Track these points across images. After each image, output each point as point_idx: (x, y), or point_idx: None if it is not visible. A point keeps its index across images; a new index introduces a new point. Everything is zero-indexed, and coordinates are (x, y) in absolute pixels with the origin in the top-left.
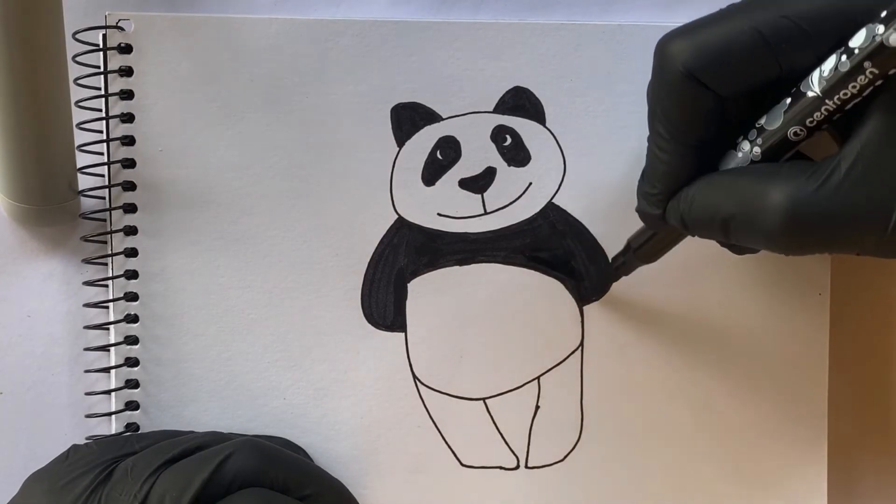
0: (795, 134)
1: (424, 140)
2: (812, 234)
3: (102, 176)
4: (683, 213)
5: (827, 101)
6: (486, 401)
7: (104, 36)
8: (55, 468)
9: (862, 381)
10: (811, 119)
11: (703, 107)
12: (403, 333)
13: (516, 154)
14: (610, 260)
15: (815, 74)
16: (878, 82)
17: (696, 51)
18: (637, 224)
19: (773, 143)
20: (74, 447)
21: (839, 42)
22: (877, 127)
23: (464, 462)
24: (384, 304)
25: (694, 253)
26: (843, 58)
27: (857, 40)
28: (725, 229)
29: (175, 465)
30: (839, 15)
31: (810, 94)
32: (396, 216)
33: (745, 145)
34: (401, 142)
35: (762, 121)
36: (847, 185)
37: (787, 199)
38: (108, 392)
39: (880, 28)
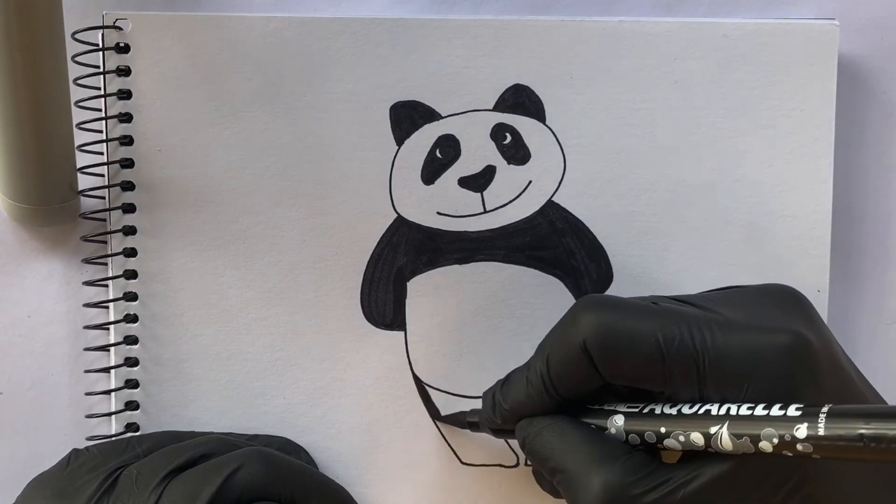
0: (659, 440)
1: (424, 138)
2: None
3: (102, 176)
4: (526, 440)
5: (709, 448)
6: None
7: (102, 36)
8: (57, 474)
9: None
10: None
11: (587, 379)
12: (403, 332)
13: (516, 152)
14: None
15: (724, 433)
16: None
17: (600, 336)
18: (637, 223)
19: (639, 431)
20: (75, 452)
21: (722, 397)
22: (720, 473)
23: (463, 460)
24: (384, 303)
25: (692, 250)
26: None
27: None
28: (553, 475)
29: (182, 476)
30: (742, 376)
31: (693, 436)
32: (396, 215)
33: (618, 419)
34: (400, 140)
35: (646, 408)
36: (666, 499)
37: (606, 492)
38: (108, 392)
39: (800, 428)
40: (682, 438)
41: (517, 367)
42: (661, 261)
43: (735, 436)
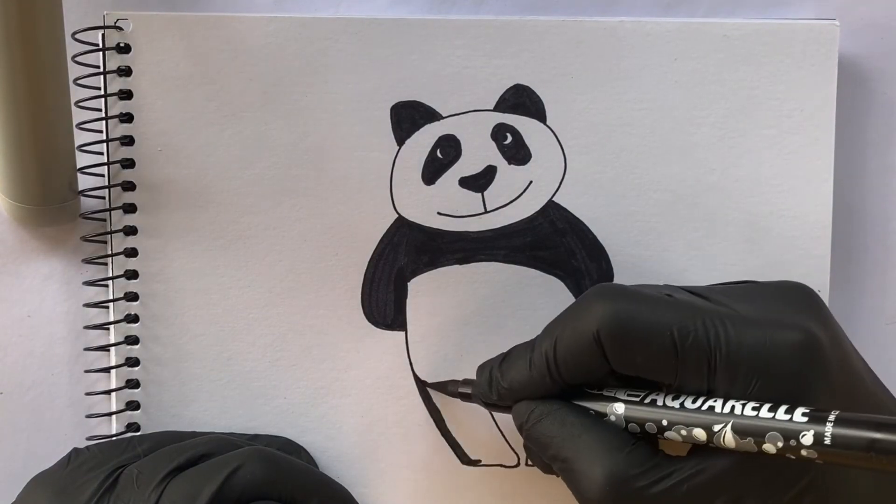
0: (660, 430)
1: (424, 139)
2: None
3: (102, 176)
4: (525, 426)
5: (710, 443)
6: None
7: (103, 36)
8: (58, 473)
9: None
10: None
11: (594, 367)
12: (404, 332)
13: (517, 152)
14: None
15: (728, 431)
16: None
17: (614, 327)
18: (638, 223)
19: (640, 421)
20: (76, 451)
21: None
22: (726, 468)
23: (464, 460)
24: (384, 303)
25: (692, 250)
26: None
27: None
28: (553, 461)
29: (182, 475)
30: (752, 371)
31: (693, 431)
32: (396, 215)
33: (619, 407)
34: (401, 140)
35: (648, 398)
36: (669, 492)
37: (610, 483)
38: (109, 392)
39: (807, 435)
40: (683, 432)
41: (519, 343)
42: (661, 261)
43: (739, 435)
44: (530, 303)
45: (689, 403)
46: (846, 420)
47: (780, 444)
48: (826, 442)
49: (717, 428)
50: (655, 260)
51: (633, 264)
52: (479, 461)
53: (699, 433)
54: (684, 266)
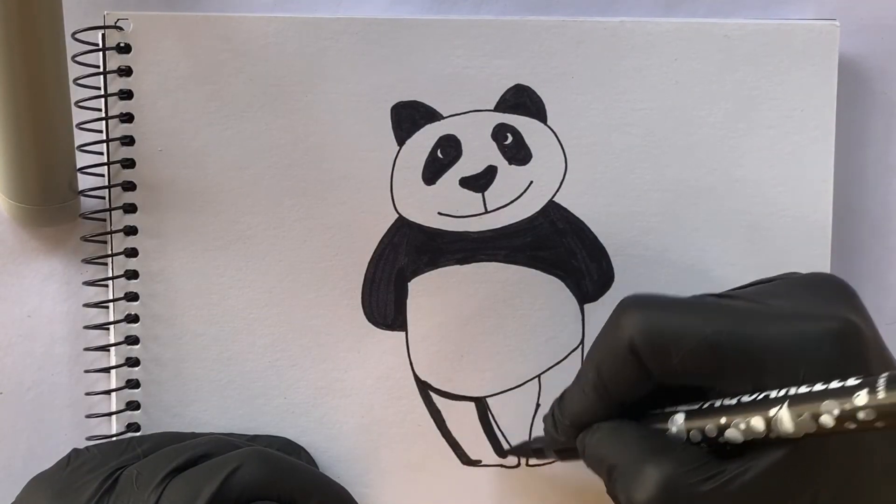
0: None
1: (425, 139)
2: None
3: (102, 176)
4: (586, 445)
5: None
6: (487, 399)
7: (103, 36)
8: (58, 474)
9: None
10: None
11: (637, 380)
12: (404, 332)
13: (517, 152)
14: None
15: (784, 411)
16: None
17: (646, 333)
18: (638, 223)
19: (700, 426)
20: (76, 451)
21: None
22: (774, 462)
23: (464, 461)
24: (385, 304)
25: (692, 250)
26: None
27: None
28: (609, 477)
29: (182, 476)
30: (797, 362)
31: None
32: (397, 215)
33: (679, 417)
34: (401, 141)
35: (707, 405)
36: (721, 489)
37: (662, 482)
38: (109, 392)
39: (860, 395)
40: (742, 426)
41: (570, 384)
42: (662, 261)
43: (796, 414)
44: (530, 303)
45: (745, 399)
46: None
47: (836, 412)
48: (880, 397)
49: (772, 412)
50: (655, 260)
51: (633, 264)
52: (480, 461)
53: (757, 422)
54: (684, 266)
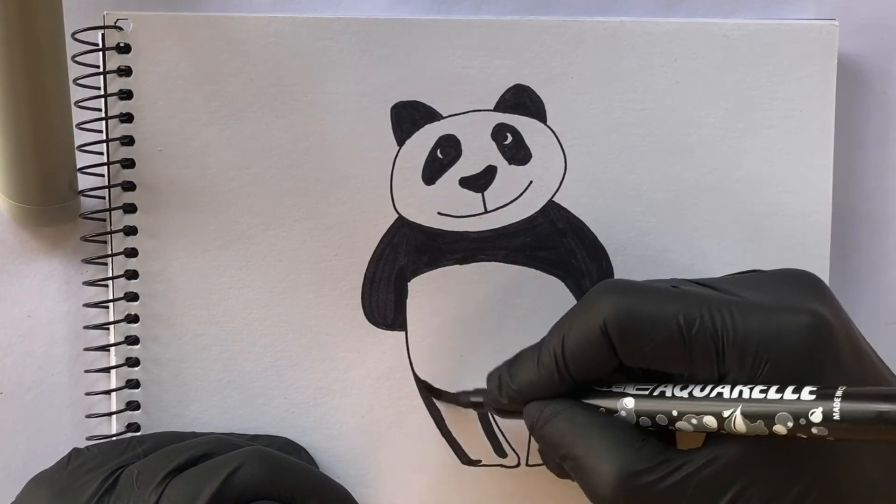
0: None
1: (425, 139)
2: None
3: (102, 176)
4: (535, 426)
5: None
6: None
7: (103, 36)
8: (58, 473)
9: None
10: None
11: (603, 362)
12: (404, 332)
13: (517, 152)
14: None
15: (738, 416)
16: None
17: (620, 318)
18: (638, 224)
19: (650, 414)
20: (76, 451)
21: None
22: (735, 458)
23: (464, 460)
24: (385, 303)
25: (692, 250)
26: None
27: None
28: (564, 461)
29: (182, 475)
30: (767, 353)
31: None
32: (397, 215)
33: (628, 402)
34: (401, 141)
35: (657, 390)
36: (680, 485)
37: (619, 479)
38: (109, 392)
39: (815, 412)
40: (694, 421)
41: (525, 347)
42: (661, 261)
43: (749, 418)
44: (530, 303)
45: (697, 392)
46: (853, 395)
47: (790, 424)
48: (835, 417)
49: (726, 413)
50: (655, 260)
51: (633, 264)
52: (480, 461)
53: (709, 420)
54: (684, 266)
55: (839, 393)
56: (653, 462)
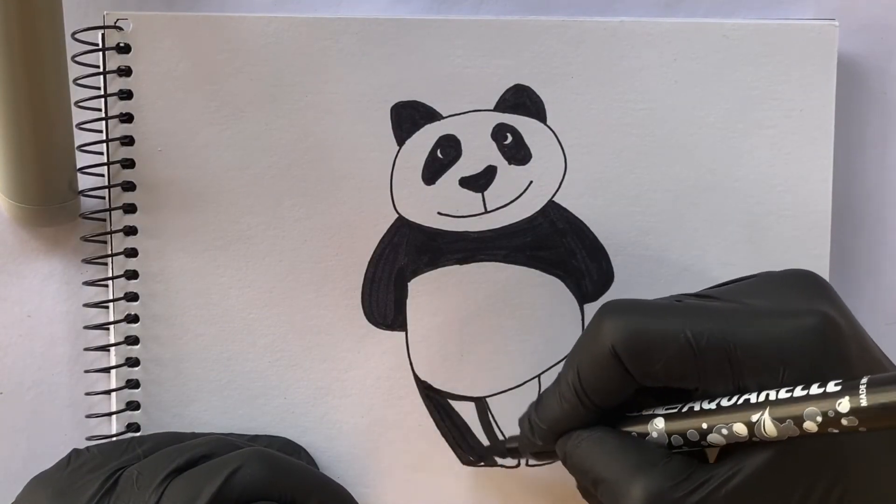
0: (702, 437)
1: (425, 139)
2: None
3: (102, 176)
4: (566, 455)
5: (754, 437)
6: (487, 399)
7: (103, 36)
8: (58, 474)
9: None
10: (728, 438)
11: (619, 384)
12: (404, 332)
13: (517, 152)
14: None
15: (766, 418)
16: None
17: (627, 337)
18: (638, 223)
19: (681, 431)
20: (76, 452)
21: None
22: (760, 466)
23: (464, 461)
24: (385, 303)
25: (692, 250)
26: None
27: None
28: (595, 488)
29: (182, 476)
30: (777, 361)
31: (737, 427)
32: (397, 215)
33: (659, 422)
34: (401, 140)
35: (685, 407)
36: (709, 499)
37: (647, 499)
38: (109, 392)
39: (842, 402)
40: (724, 431)
41: (546, 388)
42: (661, 261)
43: (778, 420)
44: (530, 303)
45: (724, 402)
46: (878, 381)
47: (819, 419)
48: (862, 404)
49: (755, 418)
50: (655, 260)
51: (633, 264)
52: (480, 461)
53: (739, 428)
54: (684, 266)
55: (864, 381)
56: (679, 478)
